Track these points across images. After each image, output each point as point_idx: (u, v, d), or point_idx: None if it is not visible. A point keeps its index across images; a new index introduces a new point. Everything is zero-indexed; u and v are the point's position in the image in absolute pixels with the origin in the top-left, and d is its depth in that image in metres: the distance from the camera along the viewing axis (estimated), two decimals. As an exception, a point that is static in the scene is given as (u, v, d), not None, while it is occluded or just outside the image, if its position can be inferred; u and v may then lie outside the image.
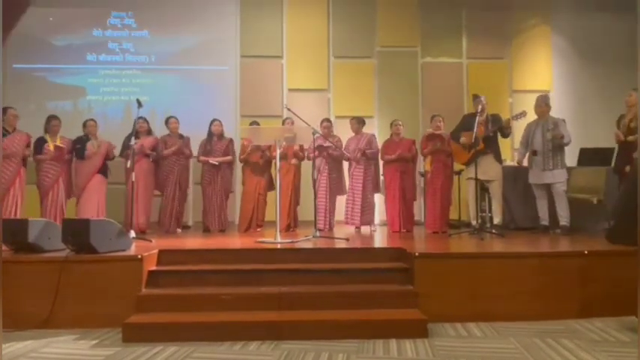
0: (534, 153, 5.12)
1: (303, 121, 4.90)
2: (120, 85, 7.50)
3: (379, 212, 5.99)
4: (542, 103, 5.20)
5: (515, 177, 5.66)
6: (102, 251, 3.44)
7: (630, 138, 4.68)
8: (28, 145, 5.15)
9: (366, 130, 5.82)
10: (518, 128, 5.72)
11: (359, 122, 5.72)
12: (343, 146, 5.66)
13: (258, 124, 5.79)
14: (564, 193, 5.01)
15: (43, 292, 3.25)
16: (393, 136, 5.61)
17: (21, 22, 7.32)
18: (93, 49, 7.49)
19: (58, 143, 5.25)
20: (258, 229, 5.56)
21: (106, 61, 7.52)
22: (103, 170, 5.44)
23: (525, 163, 5.34)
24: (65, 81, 7.43)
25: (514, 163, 5.81)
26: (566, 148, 5.06)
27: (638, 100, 4.65)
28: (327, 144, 5.48)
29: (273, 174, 5.56)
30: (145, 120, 5.61)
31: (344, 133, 5.86)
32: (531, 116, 5.22)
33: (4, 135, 5.04)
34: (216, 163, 5.58)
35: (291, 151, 5.57)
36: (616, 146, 5.10)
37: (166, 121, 5.74)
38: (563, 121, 5.19)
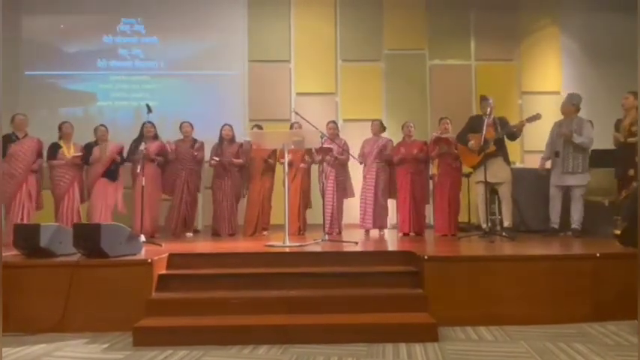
0: (557, 154, 5.05)
1: (312, 124, 4.90)
2: (130, 90, 7.56)
3: (390, 216, 5.97)
4: (569, 103, 5.11)
5: (525, 179, 5.61)
6: (112, 255, 3.46)
7: (631, 140, 4.60)
8: (38, 151, 5.20)
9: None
10: (530, 130, 5.69)
11: (381, 125, 5.77)
12: (358, 148, 5.68)
13: (261, 127, 5.81)
14: (581, 197, 4.95)
15: (55, 296, 3.28)
16: (404, 138, 5.60)
17: (32, 29, 7.43)
18: (103, 55, 7.56)
19: (75, 153, 5.30)
20: (264, 233, 5.59)
21: (116, 67, 7.59)
22: (109, 174, 5.46)
23: (548, 165, 5.20)
24: (76, 87, 7.51)
25: (523, 166, 5.74)
26: None
27: (638, 103, 4.58)
28: (328, 145, 5.47)
29: (277, 178, 5.60)
30: (153, 125, 5.65)
31: (351, 136, 5.87)
32: (548, 117, 5.15)
33: (13, 140, 5.10)
34: (216, 159, 5.63)
35: (298, 156, 5.58)
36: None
37: (180, 126, 5.83)
38: (590, 122, 5.05)
